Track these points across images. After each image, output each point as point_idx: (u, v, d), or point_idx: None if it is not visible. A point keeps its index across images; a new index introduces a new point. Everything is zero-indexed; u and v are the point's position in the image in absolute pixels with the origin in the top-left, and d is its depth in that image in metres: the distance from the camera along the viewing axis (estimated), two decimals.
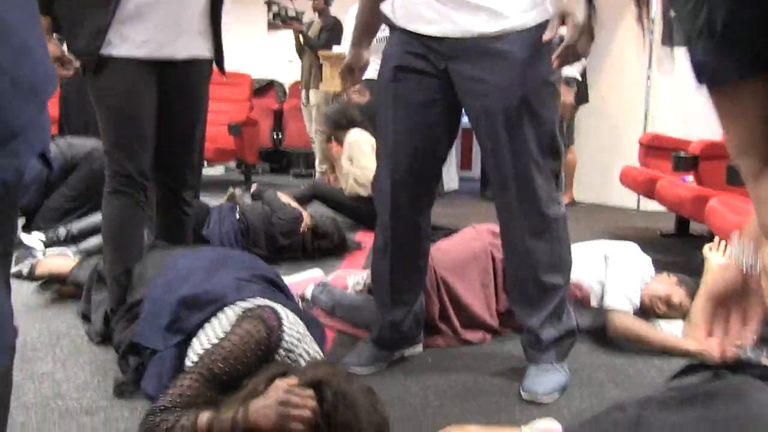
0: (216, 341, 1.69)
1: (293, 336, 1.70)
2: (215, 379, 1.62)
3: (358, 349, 2.38)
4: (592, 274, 2.68)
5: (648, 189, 4.55)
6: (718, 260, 2.55)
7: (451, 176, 7.30)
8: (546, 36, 1.92)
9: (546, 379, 2.13)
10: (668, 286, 2.68)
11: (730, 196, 3.45)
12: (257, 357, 1.64)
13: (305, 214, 3.94)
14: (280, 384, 1.49)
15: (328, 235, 3.94)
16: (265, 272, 2.07)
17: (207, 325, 1.78)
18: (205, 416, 1.50)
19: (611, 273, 2.65)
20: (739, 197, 3.46)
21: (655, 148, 5.03)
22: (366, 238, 4.29)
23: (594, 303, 2.68)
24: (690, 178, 4.39)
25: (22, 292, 2.95)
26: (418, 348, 2.48)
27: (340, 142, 4.92)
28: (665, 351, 2.49)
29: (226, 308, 1.80)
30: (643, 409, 1.18)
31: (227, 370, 1.62)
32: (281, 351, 1.67)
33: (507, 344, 2.62)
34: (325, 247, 3.91)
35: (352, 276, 3.00)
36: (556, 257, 2.13)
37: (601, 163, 6.45)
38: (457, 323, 2.62)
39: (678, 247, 4.73)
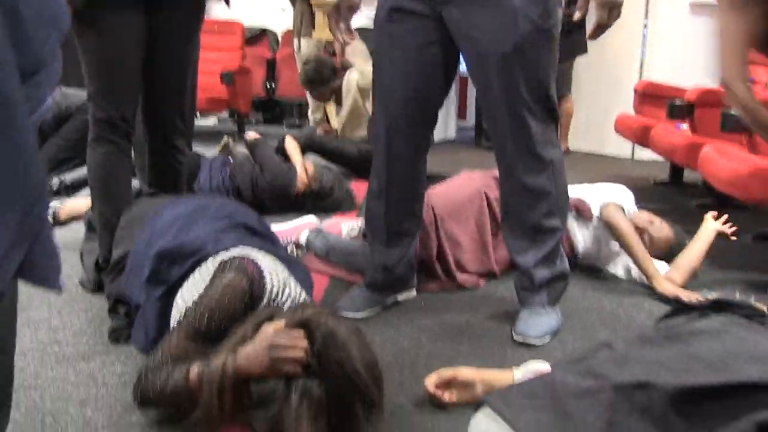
0: (197, 297, 1.68)
1: (276, 283, 1.70)
2: (202, 334, 1.62)
3: (352, 294, 2.41)
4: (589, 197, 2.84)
5: (642, 137, 4.55)
6: (715, 226, 2.76)
7: (448, 125, 7.29)
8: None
9: (538, 322, 2.16)
10: (650, 216, 2.86)
11: (723, 143, 3.46)
12: (242, 307, 1.64)
13: (302, 173, 3.81)
14: (268, 328, 1.50)
15: (330, 193, 3.87)
16: (246, 219, 2.03)
17: (188, 280, 1.78)
18: (195, 369, 1.51)
19: (605, 191, 2.86)
20: (733, 144, 3.46)
21: (649, 95, 5.00)
22: (359, 188, 4.30)
23: (595, 213, 2.81)
24: (684, 125, 4.39)
25: None
26: (412, 293, 2.50)
27: (332, 95, 4.92)
28: (635, 261, 2.68)
29: (204, 262, 1.78)
30: (630, 346, 1.21)
31: (213, 324, 1.62)
32: (265, 300, 1.67)
33: (500, 289, 2.66)
34: (326, 205, 3.83)
35: (346, 222, 3.02)
36: (552, 200, 2.13)
37: (598, 112, 6.43)
38: (452, 264, 2.65)
39: (671, 195, 4.75)
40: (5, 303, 1.02)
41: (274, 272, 1.73)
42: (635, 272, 2.75)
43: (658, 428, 1.06)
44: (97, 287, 2.44)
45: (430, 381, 1.74)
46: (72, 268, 2.71)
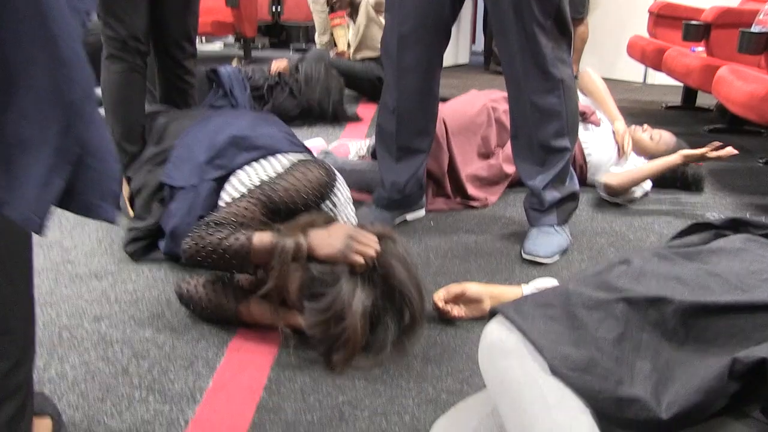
0: (273, 175, 1.73)
1: (343, 195, 1.79)
2: (273, 208, 1.67)
3: (361, 213, 2.41)
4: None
5: (656, 60, 4.46)
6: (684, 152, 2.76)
7: (460, 50, 7.16)
8: None
9: (548, 241, 2.16)
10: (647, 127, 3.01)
11: (740, 66, 3.39)
12: (314, 198, 1.70)
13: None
14: (343, 225, 1.57)
15: (314, 82, 3.95)
16: (300, 141, 2.09)
17: (255, 164, 1.81)
18: (266, 235, 1.55)
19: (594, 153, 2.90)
20: (750, 66, 3.39)
21: (665, 17, 4.88)
22: (366, 111, 4.26)
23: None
24: (699, 48, 4.30)
25: None
26: (420, 212, 2.51)
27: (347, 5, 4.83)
28: (657, 175, 2.76)
29: (278, 155, 1.83)
30: (646, 262, 1.20)
31: (286, 202, 1.67)
32: (329, 202, 1.74)
33: (509, 209, 2.65)
34: (318, 103, 3.92)
35: (354, 143, 3.00)
36: (562, 119, 2.10)
37: (610, 35, 6.29)
38: (463, 178, 2.65)
39: (683, 119, 4.69)
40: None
41: (344, 186, 1.84)
42: (639, 192, 2.78)
43: (671, 344, 1.06)
44: None
45: (439, 296, 1.76)
46: None
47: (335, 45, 5.28)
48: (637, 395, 0.97)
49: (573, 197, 2.25)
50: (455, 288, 1.76)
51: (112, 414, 1.37)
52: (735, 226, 1.42)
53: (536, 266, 2.12)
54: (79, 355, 1.57)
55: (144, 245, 2.08)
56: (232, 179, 1.81)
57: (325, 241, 1.51)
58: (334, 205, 1.76)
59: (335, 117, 3.98)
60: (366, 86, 4.67)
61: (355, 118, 4.10)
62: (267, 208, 1.66)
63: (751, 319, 1.09)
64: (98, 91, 2.38)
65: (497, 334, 1.03)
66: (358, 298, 1.46)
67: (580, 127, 2.80)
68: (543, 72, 2.02)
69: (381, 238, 1.56)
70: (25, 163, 0.81)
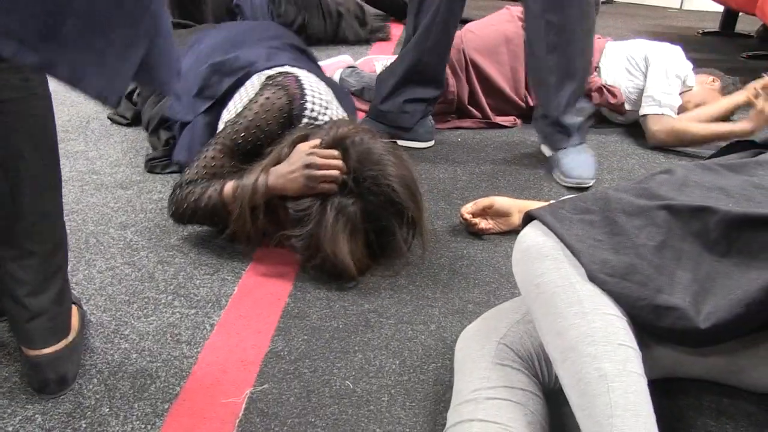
0: (239, 110, 1.66)
1: (317, 103, 1.66)
2: (238, 149, 1.61)
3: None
4: (630, 80, 2.57)
5: None
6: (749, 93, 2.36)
7: None
8: None
9: (585, 162, 2.09)
10: (706, 92, 2.57)
11: None
12: (279, 124, 1.62)
13: None
14: (303, 146, 1.48)
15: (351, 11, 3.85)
16: (296, 42, 2.00)
17: (235, 94, 1.76)
18: (229, 184, 1.51)
19: (651, 82, 2.48)
20: None
21: None
22: (394, 30, 4.16)
23: (629, 107, 2.60)
24: None
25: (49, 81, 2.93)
26: (429, 143, 2.42)
27: None
28: (718, 139, 2.32)
29: (252, 76, 1.76)
30: (690, 172, 1.15)
31: (249, 139, 1.61)
32: (305, 119, 1.64)
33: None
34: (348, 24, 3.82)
35: (381, 60, 2.92)
36: (577, 38, 2.01)
37: None
38: (487, 107, 2.58)
39: (720, 45, 4.53)
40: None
41: (317, 92, 1.68)
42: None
43: (712, 255, 1.02)
44: (132, 120, 2.43)
45: (466, 209, 1.73)
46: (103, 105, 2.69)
47: None
48: (676, 303, 0.94)
49: (589, 115, 2.19)
50: (483, 201, 1.72)
51: (139, 316, 1.37)
52: None
53: (560, 185, 2.07)
54: (106, 260, 1.57)
55: (163, 163, 2.07)
56: (223, 114, 1.76)
57: (287, 176, 1.45)
58: (314, 119, 1.65)
59: (362, 35, 3.91)
60: (390, 5, 4.57)
61: (385, 37, 4.02)
62: (233, 150, 1.60)
63: None
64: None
65: (533, 238, 1.00)
66: (334, 222, 1.40)
67: (605, 111, 2.68)
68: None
69: (341, 142, 1.46)
70: (100, 39, 0.82)
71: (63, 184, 1.92)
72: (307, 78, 1.70)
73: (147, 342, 1.29)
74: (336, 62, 2.95)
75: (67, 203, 1.84)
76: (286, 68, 1.74)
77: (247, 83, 1.75)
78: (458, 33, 2.55)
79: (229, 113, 1.71)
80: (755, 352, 1.14)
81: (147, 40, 0.86)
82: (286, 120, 1.63)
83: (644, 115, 2.48)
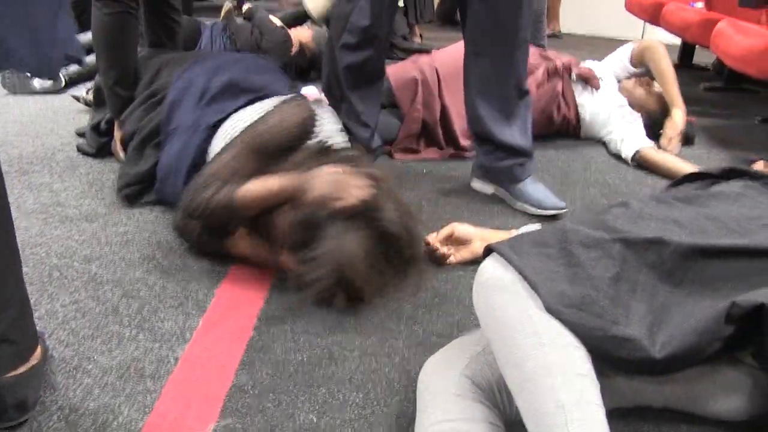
0: (256, 118, 1.71)
1: (329, 128, 1.74)
2: (260, 150, 1.64)
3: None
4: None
5: (654, 14, 4.40)
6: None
7: None
8: None
9: (546, 192, 2.12)
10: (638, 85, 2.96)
11: (739, 20, 3.34)
12: (300, 133, 1.67)
13: (295, 37, 3.83)
14: (339, 166, 1.53)
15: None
16: (295, 86, 2.06)
17: (244, 111, 1.79)
18: (253, 184, 1.54)
19: (624, 127, 2.79)
20: (749, 21, 3.35)
21: None
22: None
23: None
24: (699, 4, 4.25)
25: (13, 111, 2.91)
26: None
27: None
28: (669, 90, 2.87)
29: (267, 99, 1.82)
30: (645, 205, 1.19)
31: (272, 142, 1.64)
32: (317, 139, 1.69)
33: None
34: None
35: None
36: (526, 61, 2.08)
37: None
38: (456, 127, 2.62)
39: (679, 77, 4.61)
40: None
41: (330, 119, 1.78)
42: (624, 153, 2.71)
43: (667, 286, 1.05)
44: (98, 151, 2.43)
45: (429, 237, 1.76)
46: (69, 134, 2.68)
47: None
48: (632, 335, 0.97)
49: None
50: (444, 230, 1.76)
51: (102, 351, 1.36)
52: (731, 175, 1.41)
53: (529, 216, 2.10)
54: (69, 294, 1.56)
55: (137, 190, 2.05)
56: (224, 125, 1.78)
57: (316, 180, 1.48)
58: (324, 142, 1.71)
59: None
60: None
61: None
62: (253, 152, 1.63)
63: (748, 263, 1.09)
64: (88, 35, 2.33)
65: (492, 271, 1.02)
66: (350, 244, 1.42)
67: (579, 88, 2.83)
68: (531, 8, 2.02)
69: (372, 177, 1.52)
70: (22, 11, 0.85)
71: (27, 216, 1.92)
72: (321, 106, 1.79)
73: (110, 377, 1.28)
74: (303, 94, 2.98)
75: (30, 236, 1.82)
76: (302, 95, 1.84)
77: (257, 104, 1.80)
78: (430, 54, 2.73)
79: (234, 126, 1.74)
80: (712, 379, 1.17)
81: (61, 11, 0.89)
82: (303, 132, 1.68)
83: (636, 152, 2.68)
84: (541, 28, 4.05)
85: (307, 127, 1.68)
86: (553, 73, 2.80)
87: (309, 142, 1.68)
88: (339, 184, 1.46)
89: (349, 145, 1.80)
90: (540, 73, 2.78)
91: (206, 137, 1.82)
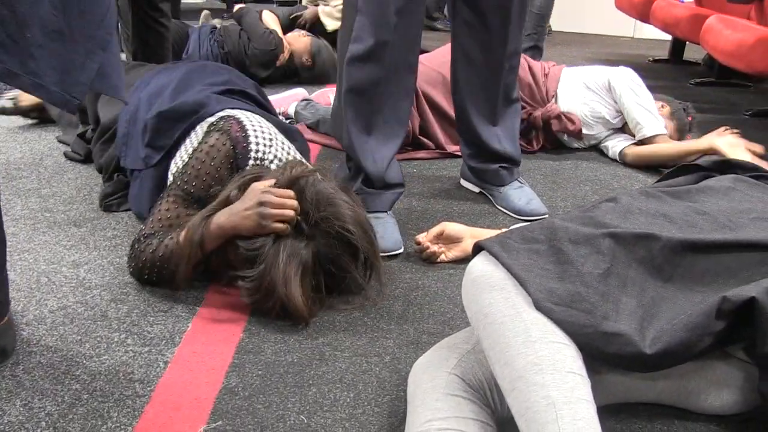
0: (186, 160, 1.65)
1: (262, 143, 1.65)
2: (191, 198, 1.60)
3: (342, 164, 2.37)
4: (585, 104, 2.65)
5: (644, 11, 4.41)
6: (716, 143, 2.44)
7: None
8: None
9: (530, 197, 2.12)
10: (658, 102, 2.66)
11: (728, 16, 3.35)
12: (227, 170, 1.61)
13: (287, 45, 3.81)
14: (257, 185, 1.47)
15: (319, 64, 3.85)
16: (244, 85, 1.98)
17: (181, 145, 1.74)
18: (183, 232, 1.50)
19: (632, 106, 2.56)
20: (738, 17, 3.36)
21: None
22: None
23: (586, 131, 2.67)
24: (688, 0, 4.26)
25: (0, 117, 2.89)
26: None
27: None
28: (683, 157, 2.44)
29: (197, 126, 1.74)
30: (634, 200, 1.18)
31: (201, 187, 1.60)
32: (250, 161, 1.63)
33: None
34: (314, 75, 3.83)
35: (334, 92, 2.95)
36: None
37: None
38: (441, 137, 2.61)
39: (669, 72, 4.66)
40: None
41: (260, 131, 1.66)
42: (612, 157, 2.67)
43: (657, 281, 1.05)
44: (86, 157, 2.42)
45: (420, 236, 1.76)
46: (56, 142, 2.67)
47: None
48: (622, 330, 0.96)
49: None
50: (434, 228, 1.76)
51: (91, 356, 1.35)
52: (722, 168, 1.40)
53: (515, 214, 2.10)
54: (58, 299, 1.55)
55: (118, 199, 2.04)
56: (174, 159, 1.73)
57: (240, 216, 1.44)
58: (260, 160, 1.64)
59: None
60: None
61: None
62: (186, 201, 1.60)
63: (738, 258, 1.08)
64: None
65: (481, 269, 1.01)
66: (287, 264, 1.39)
67: (564, 136, 2.74)
68: (522, 19, 1.99)
69: (297, 182, 1.47)
70: (62, 48, 0.91)
71: (15, 222, 1.91)
72: (249, 119, 1.68)
73: (99, 382, 1.27)
74: (291, 95, 2.97)
75: (18, 242, 1.81)
76: (228, 112, 1.73)
77: (192, 133, 1.73)
78: None
79: (176, 165, 1.69)
80: (704, 375, 1.17)
81: (101, 50, 0.94)
82: (233, 165, 1.62)
83: (652, 137, 2.53)
84: (542, 30, 4.04)
85: (236, 159, 1.62)
86: (531, 128, 2.70)
87: (245, 168, 1.62)
88: (262, 210, 1.41)
89: (290, 153, 1.72)
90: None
91: (157, 178, 1.78)
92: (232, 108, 1.76)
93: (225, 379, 1.29)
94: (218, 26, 3.87)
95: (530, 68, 2.68)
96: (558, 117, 2.63)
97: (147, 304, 1.54)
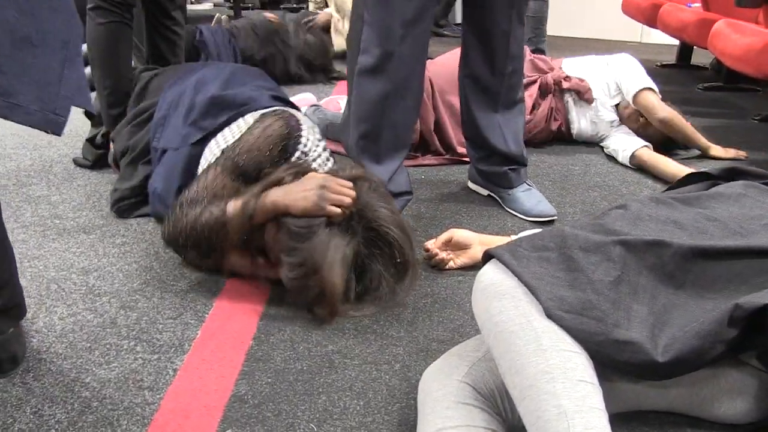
0: (237, 137, 1.68)
1: (311, 140, 1.70)
2: (239, 171, 1.62)
3: None
4: (587, 73, 2.84)
5: (651, 16, 4.40)
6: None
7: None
8: None
9: (538, 199, 2.13)
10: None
11: (736, 20, 3.34)
12: (279, 150, 1.64)
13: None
14: (316, 174, 1.53)
15: (312, 50, 3.91)
16: (285, 96, 2.01)
17: (227, 129, 1.76)
18: (232, 202, 1.52)
19: (621, 69, 2.81)
20: (746, 21, 3.35)
21: None
22: None
23: (596, 96, 2.81)
24: (695, 4, 4.25)
25: (10, 124, 2.89)
26: None
27: None
28: (685, 140, 2.75)
29: (246, 115, 1.77)
30: (644, 207, 1.18)
31: (250, 162, 1.62)
32: (298, 152, 1.66)
33: None
34: (311, 67, 3.89)
35: (344, 100, 2.95)
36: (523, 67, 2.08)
37: None
38: (452, 136, 2.61)
39: (677, 77, 4.65)
40: None
41: (312, 129, 1.73)
42: (622, 156, 2.69)
43: (668, 288, 1.04)
44: (95, 163, 2.42)
45: (428, 243, 1.76)
46: (66, 146, 2.68)
47: (326, 5, 5.19)
48: (633, 338, 0.95)
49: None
50: (443, 235, 1.76)
51: (100, 363, 1.35)
52: (732, 175, 1.39)
53: (523, 219, 2.10)
54: (67, 306, 1.55)
55: (131, 204, 2.04)
56: (211, 143, 1.76)
57: (298, 195, 1.46)
58: (305, 154, 1.68)
59: (324, 73, 3.97)
60: None
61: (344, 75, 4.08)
62: (234, 173, 1.62)
63: (749, 264, 1.08)
64: (84, 47, 2.31)
65: (492, 277, 1.01)
66: (334, 250, 1.42)
67: (570, 102, 2.81)
68: (521, 23, 2.00)
69: (356, 180, 1.51)
70: (30, 62, 0.79)
71: (25, 229, 1.92)
72: (303, 117, 1.75)
73: (108, 389, 1.27)
74: (299, 100, 2.97)
75: (28, 249, 1.81)
76: (284, 108, 1.78)
77: (240, 120, 1.76)
78: None
79: (218, 145, 1.72)
80: (716, 383, 1.16)
81: (80, 58, 0.88)
82: (283, 148, 1.65)
83: (638, 92, 2.70)
84: (540, 33, 4.05)
85: (286, 144, 1.65)
86: (545, 90, 2.79)
87: (292, 157, 1.66)
88: (321, 192, 1.45)
89: (330, 158, 1.76)
90: (534, 89, 2.77)
91: (190, 157, 1.79)
92: (281, 105, 1.82)
93: (234, 387, 1.28)
94: (223, 23, 3.95)
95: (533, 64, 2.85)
96: (567, 77, 2.79)
97: (156, 311, 1.54)
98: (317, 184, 1.46)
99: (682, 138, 2.74)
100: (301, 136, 1.67)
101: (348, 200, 1.45)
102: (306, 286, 1.44)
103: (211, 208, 1.53)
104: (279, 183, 1.53)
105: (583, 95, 2.79)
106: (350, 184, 1.48)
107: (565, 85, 2.78)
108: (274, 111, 1.71)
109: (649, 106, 2.67)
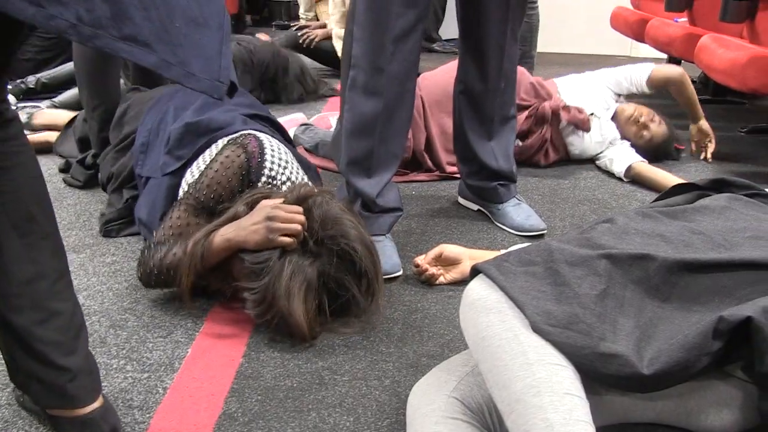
0: (202, 169, 1.67)
1: (276, 163, 1.67)
2: (202, 207, 1.62)
3: (341, 186, 2.38)
4: (584, 93, 2.86)
5: (639, 31, 4.43)
6: None
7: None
8: None
9: (528, 213, 2.14)
10: (651, 114, 2.87)
11: (721, 35, 3.37)
12: (239, 182, 1.63)
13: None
14: (266, 202, 1.50)
15: (294, 73, 3.91)
16: (264, 111, 2.00)
17: (200, 156, 1.75)
18: (190, 243, 1.51)
19: (619, 70, 3.03)
20: (731, 35, 3.38)
21: None
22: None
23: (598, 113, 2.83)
24: (682, 19, 4.29)
25: None
26: None
27: None
28: (692, 105, 3.04)
29: (218, 140, 1.75)
30: (630, 220, 1.19)
31: (212, 197, 1.62)
32: (263, 178, 1.65)
33: None
34: (296, 90, 3.88)
35: (335, 116, 2.96)
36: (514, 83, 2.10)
37: (596, 9, 6.26)
38: (441, 155, 2.62)
39: (665, 91, 4.67)
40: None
41: (276, 152, 1.69)
42: (617, 170, 2.71)
43: (654, 301, 1.05)
44: (85, 183, 2.42)
45: (418, 258, 1.77)
46: (57, 165, 2.68)
47: (317, 20, 5.21)
48: (619, 351, 0.96)
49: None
50: (433, 251, 1.76)
51: None
52: (718, 186, 1.41)
53: (513, 234, 2.11)
54: None
55: (119, 224, 2.05)
56: (186, 173, 1.75)
57: (249, 229, 1.46)
58: (272, 178, 1.66)
59: (312, 92, 3.97)
60: (336, 61, 4.64)
61: (336, 93, 4.07)
62: (197, 210, 1.62)
63: (733, 277, 1.09)
64: (71, 65, 2.31)
65: (478, 292, 1.01)
66: (290, 278, 1.41)
67: (569, 129, 2.81)
68: (515, 40, 2.02)
69: (306, 199, 1.50)
70: (198, 39, 0.94)
71: None
72: (268, 140, 1.70)
73: None
74: (290, 120, 2.98)
75: None
76: (249, 131, 1.74)
77: (213, 146, 1.75)
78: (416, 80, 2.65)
79: (192, 175, 1.71)
80: (703, 394, 1.16)
81: (227, 37, 0.98)
82: (245, 178, 1.64)
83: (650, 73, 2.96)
84: (531, 38, 4.09)
85: (249, 173, 1.64)
86: (540, 120, 2.75)
87: (258, 183, 1.65)
88: (269, 224, 1.44)
89: (302, 177, 1.74)
90: (527, 119, 2.75)
91: (171, 187, 1.78)
92: (256, 130, 1.78)
93: (224, 405, 1.28)
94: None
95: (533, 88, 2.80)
96: (566, 108, 2.76)
97: (146, 330, 1.54)
98: (264, 215, 1.45)
99: (687, 99, 2.99)
100: (264, 162, 1.65)
101: (297, 227, 1.44)
102: (270, 319, 1.45)
103: (174, 249, 1.54)
104: (235, 217, 1.52)
105: (581, 127, 2.77)
106: (298, 208, 1.47)
107: (564, 116, 2.74)
108: (235, 140, 1.69)
109: (666, 75, 2.94)
